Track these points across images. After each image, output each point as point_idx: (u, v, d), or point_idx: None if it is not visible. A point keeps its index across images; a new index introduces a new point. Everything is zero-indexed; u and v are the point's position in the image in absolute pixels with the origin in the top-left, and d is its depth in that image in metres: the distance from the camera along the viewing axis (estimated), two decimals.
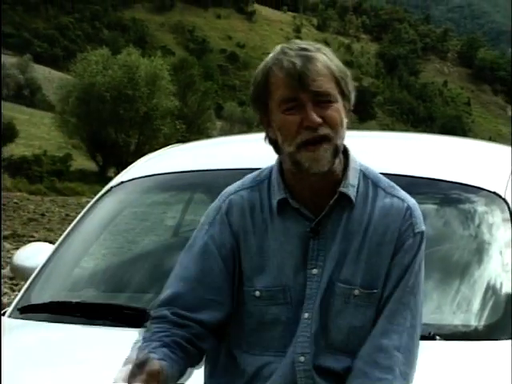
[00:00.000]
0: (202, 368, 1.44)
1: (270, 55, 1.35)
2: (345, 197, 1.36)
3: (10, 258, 5.74)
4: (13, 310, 2.05)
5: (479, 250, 1.90)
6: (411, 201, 1.40)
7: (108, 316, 1.86)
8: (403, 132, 7.11)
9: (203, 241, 1.39)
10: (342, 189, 1.35)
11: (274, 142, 1.37)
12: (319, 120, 1.30)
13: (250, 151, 1.75)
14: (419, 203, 1.44)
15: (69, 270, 2.26)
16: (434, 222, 1.97)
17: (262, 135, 1.42)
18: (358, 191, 1.37)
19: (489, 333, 1.72)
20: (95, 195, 2.46)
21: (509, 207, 1.92)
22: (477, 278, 1.86)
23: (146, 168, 2.47)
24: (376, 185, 1.40)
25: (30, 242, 4.05)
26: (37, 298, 2.05)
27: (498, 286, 1.81)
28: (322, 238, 1.36)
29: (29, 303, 2.03)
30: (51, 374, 1.70)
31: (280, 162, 1.39)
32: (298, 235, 1.36)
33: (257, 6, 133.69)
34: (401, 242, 1.36)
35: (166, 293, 1.40)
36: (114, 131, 38.07)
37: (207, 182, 2.26)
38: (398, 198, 1.39)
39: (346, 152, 1.40)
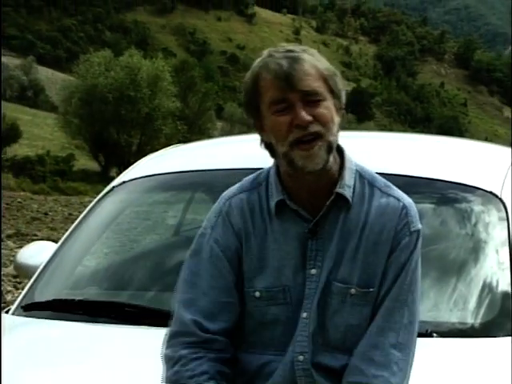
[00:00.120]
0: None
1: (258, 59, 1.36)
2: (341, 197, 1.37)
3: (13, 256, 5.74)
4: (16, 308, 2.06)
5: (476, 249, 1.92)
6: (407, 200, 1.41)
7: (110, 314, 1.88)
8: (401, 132, 7.10)
9: (208, 245, 1.40)
10: (338, 190, 1.36)
11: (269, 146, 1.38)
12: (309, 118, 1.30)
13: (250, 151, 1.75)
14: (417, 203, 1.45)
15: (71, 268, 2.27)
16: (431, 221, 1.99)
17: None
18: (354, 191, 1.38)
19: (485, 330, 1.73)
20: (98, 195, 2.47)
21: (505, 206, 1.94)
22: (473, 276, 1.87)
23: (147, 168, 2.48)
24: (372, 184, 1.41)
25: (33, 240, 4.06)
26: (40, 296, 2.07)
27: (494, 283, 1.82)
28: (319, 239, 1.37)
29: (32, 301, 2.05)
30: (54, 370, 1.72)
31: (277, 165, 1.40)
32: (296, 236, 1.37)
33: (257, 9, 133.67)
34: (397, 241, 1.37)
35: (182, 299, 1.40)
36: (116, 132, 38.04)
37: (208, 182, 2.28)
38: (394, 197, 1.40)
39: (341, 152, 1.40)
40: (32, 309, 2.01)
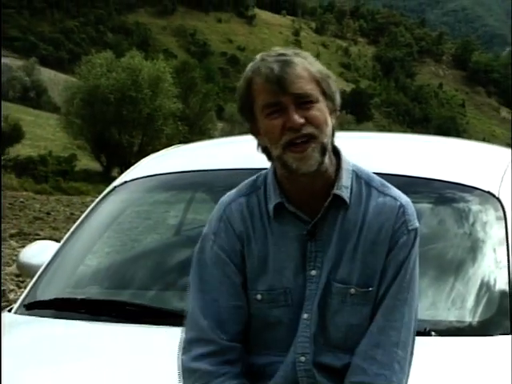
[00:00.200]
0: None
1: (250, 64, 1.37)
2: (339, 198, 1.37)
3: (16, 255, 5.77)
4: (19, 307, 2.08)
5: (473, 248, 1.93)
6: (404, 198, 1.41)
7: (111, 312, 1.89)
8: (399, 133, 7.10)
9: (213, 252, 1.41)
10: (335, 191, 1.37)
11: (265, 150, 1.38)
12: (301, 121, 1.31)
13: (251, 151, 1.76)
14: (415, 202, 1.45)
15: (73, 267, 2.28)
16: (429, 220, 2.00)
17: None
18: (351, 192, 1.38)
19: (483, 328, 1.74)
20: (99, 195, 2.48)
21: (502, 206, 1.95)
22: (471, 274, 1.88)
23: (148, 168, 2.49)
24: (369, 184, 1.41)
25: (35, 240, 4.07)
26: (42, 295, 2.08)
27: (492, 282, 1.83)
28: (318, 240, 1.38)
29: (35, 300, 2.06)
30: (56, 368, 1.73)
31: (275, 168, 1.41)
32: (295, 238, 1.38)
33: (257, 10, 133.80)
34: (395, 240, 1.37)
35: (196, 305, 1.40)
36: (117, 132, 38.07)
37: (208, 182, 2.29)
38: (391, 196, 1.40)
39: (337, 153, 1.41)
40: (34, 307, 2.03)
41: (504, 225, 1.91)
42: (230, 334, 1.38)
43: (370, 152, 2.18)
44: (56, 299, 2.02)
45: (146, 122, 38.43)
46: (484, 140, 33.67)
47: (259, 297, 1.39)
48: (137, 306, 1.91)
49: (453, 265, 1.93)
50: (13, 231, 11.01)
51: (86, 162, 37.72)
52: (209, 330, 1.37)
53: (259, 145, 1.40)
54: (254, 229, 1.40)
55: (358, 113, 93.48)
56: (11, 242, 9.83)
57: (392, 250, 1.37)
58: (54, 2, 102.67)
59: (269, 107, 1.33)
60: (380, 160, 2.04)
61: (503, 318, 1.74)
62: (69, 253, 2.26)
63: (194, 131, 42.01)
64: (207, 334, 1.37)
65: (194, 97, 46.35)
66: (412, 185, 1.94)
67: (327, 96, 1.36)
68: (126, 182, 2.41)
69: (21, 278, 6.64)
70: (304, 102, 1.32)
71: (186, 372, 1.38)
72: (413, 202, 1.44)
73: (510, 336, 1.70)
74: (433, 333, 1.69)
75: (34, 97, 67.32)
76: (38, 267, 2.24)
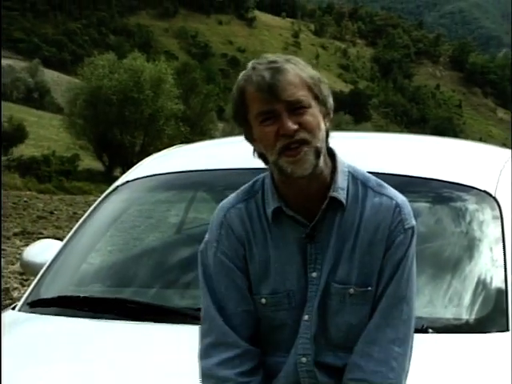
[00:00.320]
0: None
1: (242, 73, 1.37)
2: (335, 200, 1.38)
3: (19, 254, 5.79)
4: (23, 304, 2.10)
5: (470, 246, 1.94)
6: (400, 198, 1.41)
7: (114, 310, 1.91)
8: (397, 133, 7.09)
9: (217, 259, 1.41)
10: (332, 193, 1.37)
11: (262, 155, 1.39)
12: (294, 127, 1.31)
13: (251, 152, 1.78)
14: (413, 202, 1.47)
15: (76, 265, 2.30)
16: (426, 219, 2.02)
17: None
18: (347, 193, 1.39)
19: (479, 326, 1.76)
20: (102, 194, 2.49)
21: (499, 205, 1.96)
22: (468, 273, 1.90)
23: (150, 168, 2.51)
24: (365, 185, 1.41)
25: (39, 238, 4.08)
26: (46, 293, 2.09)
27: (488, 280, 1.84)
28: (317, 242, 1.38)
29: (38, 298, 2.08)
30: (59, 366, 1.75)
31: (272, 172, 1.42)
32: (295, 241, 1.39)
33: (257, 13, 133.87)
34: (392, 239, 1.37)
35: (212, 309, 1.41)
36: (119, 132, 38.11)
37: (209, 182, 2.31)
38: (387, 196, 1.41)
39: (333, 155, 1.41)
40: (38, 305, 2.04)
41: (500, 224, 1.92)
42: (245, 338, 1.39)
43: (367, 152, 2.20)
44: (59, 297, 2.04)
45: (148, 122, 38.47)
46: (481, 140, 33.68)
47: (263, 301, 1.40)
48: (139, 304, 1.93)
49: (450, 263, 1.94)
50: (16, 230, 11.04)
51: (89, 161, 37.78)
52: (228, 334, 1.38)
53: (255, 150, 1.41)
54: (254, 233, 1.40)
55: (357, 113, 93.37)
56: (15, 240, 9.86)
57: (389, 249, 1.37)
58: (57, 5, 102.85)
59: (262, 115, 1.33)
60: (378, 160, 2.06)
61: (500, 316, 1.75)
62: (72, 251, 2.28)
63: (195, 131, 42.04)
64: (229, 337, 1.38)
65: (195, 98, 46.39)
66: (409, 184, 1.96)
67: (320, 100, 1.36)
68: (127, 181, 2.42)
69: (24, 276, 6.67)
70: (296, 108, 1.33)
71: (208, 378, 1.38)
72: (410, 201, 1.44)
73: (506, 333, 1.71)
74: (430, 330, 1.70)
75: (37, 98, 67.47)
76: (42, 265, 2.26)
